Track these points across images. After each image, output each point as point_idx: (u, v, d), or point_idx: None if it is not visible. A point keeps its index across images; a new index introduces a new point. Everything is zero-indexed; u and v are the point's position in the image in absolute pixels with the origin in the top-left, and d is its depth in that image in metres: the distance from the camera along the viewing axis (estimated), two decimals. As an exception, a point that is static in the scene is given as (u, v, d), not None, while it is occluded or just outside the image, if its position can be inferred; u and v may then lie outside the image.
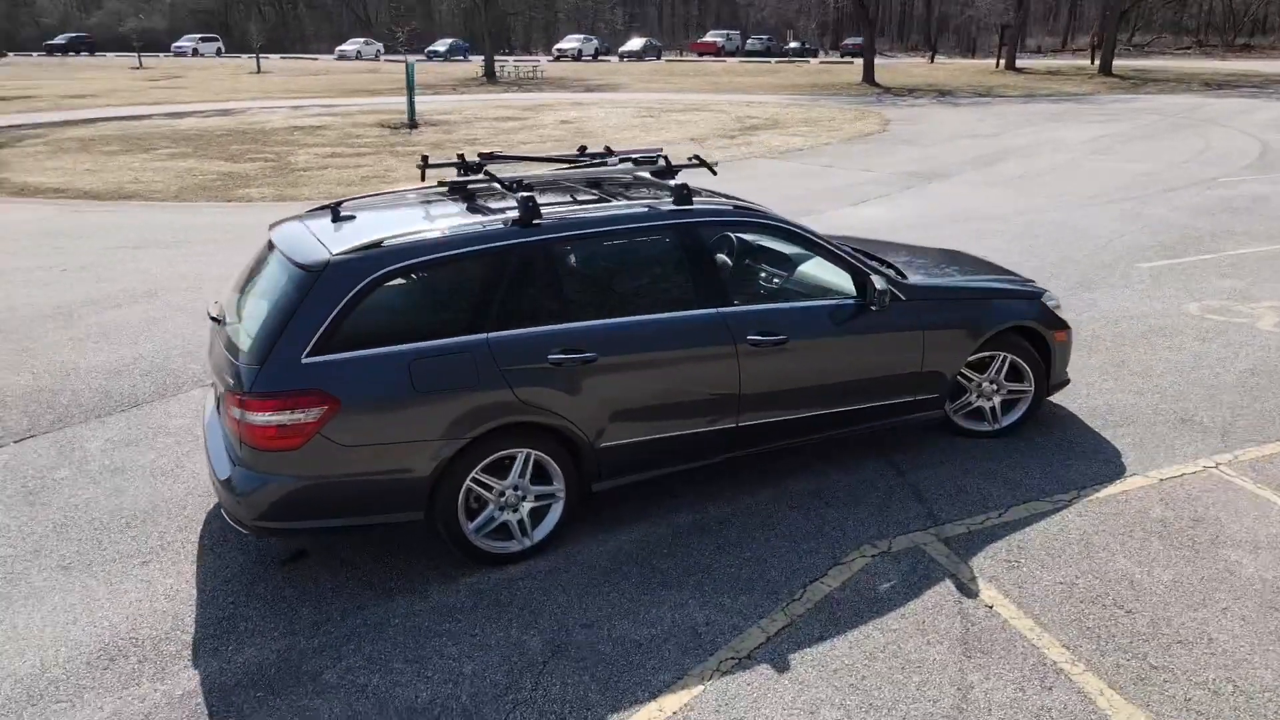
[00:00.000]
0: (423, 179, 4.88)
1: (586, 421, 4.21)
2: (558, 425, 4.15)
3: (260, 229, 4.95)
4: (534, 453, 4.17)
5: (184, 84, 39.77)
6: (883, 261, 5.40)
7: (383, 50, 60.11)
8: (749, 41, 62.52)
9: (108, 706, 3.40)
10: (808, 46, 62.03)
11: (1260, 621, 3.82)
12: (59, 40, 66.05)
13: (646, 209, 4.48)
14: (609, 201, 4.56)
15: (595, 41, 59.12)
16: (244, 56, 58.73)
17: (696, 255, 4.49)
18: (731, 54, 61.29)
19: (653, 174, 4.95)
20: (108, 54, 64.07)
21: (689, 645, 3.72)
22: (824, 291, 4.88)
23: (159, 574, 4.21)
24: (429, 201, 4.62)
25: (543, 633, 3.80)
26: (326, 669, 3.60)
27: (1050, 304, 5.45)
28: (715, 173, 5.31)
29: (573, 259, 4.37)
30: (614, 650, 3.70)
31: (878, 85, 35.67)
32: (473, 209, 4.44)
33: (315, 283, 3.85)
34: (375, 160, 16.87)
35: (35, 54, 64.63)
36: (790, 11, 65.85)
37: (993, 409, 5.41)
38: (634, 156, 5.11)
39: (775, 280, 5.03)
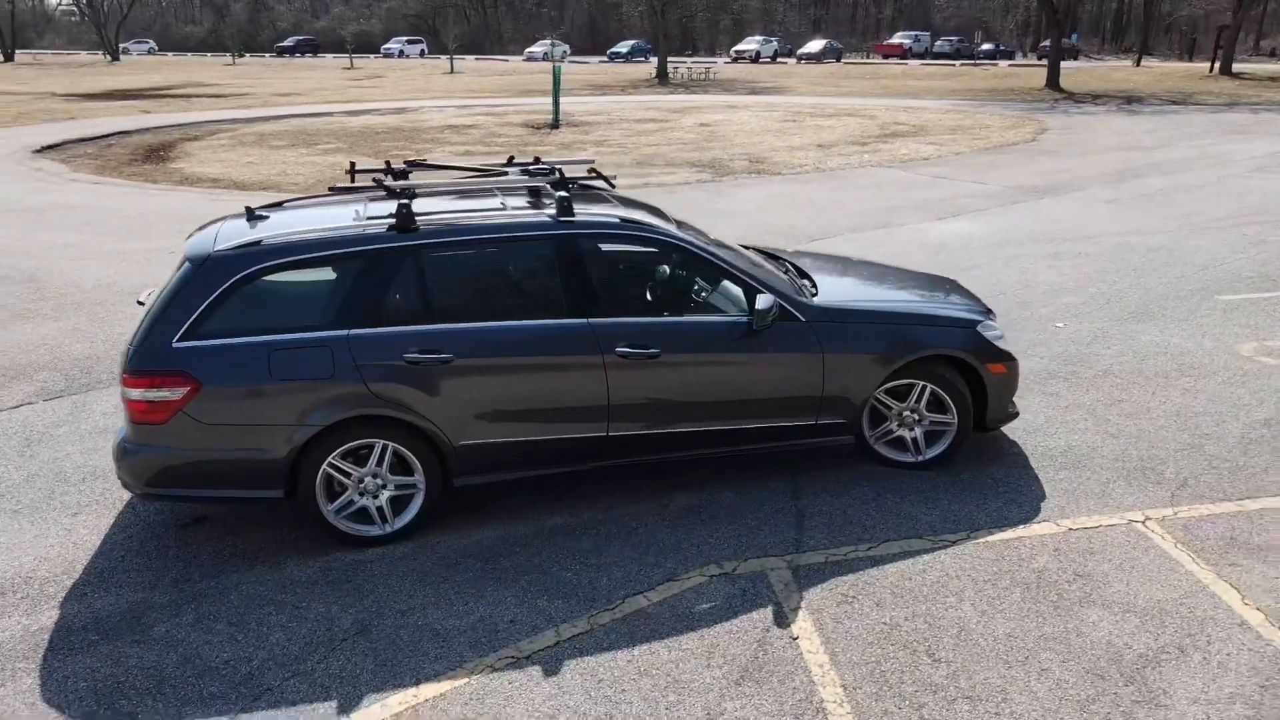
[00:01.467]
0: (352, 181, 5.23)
1: (444, 419, 4.44)
2: (413, 421, 4.40)
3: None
4: (391, 444, 4.45)
5: (381, 84, 42.77)
6: (811, 281, 5.30)
7: (569, 51, 62.24)
8: (938, 43, 60.15)
9: (-24, 631, 3.97)
10: (1002, 48, 58.98)
11: (1075, 687, 3.54)
12: (287, 43, 72.82)
13: (527, 219, 4.64)
14: (506, 210, 4.75)
15: (775, 43, 58.71)
16: (443, 57, 62.44)
17: (571, 265, 4.61)
18: (919, 56, 59.21)
19: (550, 184, 5.04)
20: (327, 55, 69.89)
21: (481, 640, 3.89)
22: (718, 307, 4.86)
23: (80, 524, 4.80)
24: (354, 203, 4.95)
25: (359, 613, 4.07)
26: (160, 623, 4.02)
27: (990, 334, 5.15)
28: (613, 185, 5.37)
29: (446, 264, 4.60)
30: (411, 636, 3.92)
31: (1061, 90, 33.54)
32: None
33: (194, 275, 4.29)
34: (496, 161, 17.66)
35: (267, 55, 71.47)
36: (988, 12, 62.74)
37: (914, 440, 5.18)
38: (530, 168, 5.26)
39: (665, 294, 5.04)
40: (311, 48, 72.30)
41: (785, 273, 5.48)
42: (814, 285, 5.24)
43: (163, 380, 4.17)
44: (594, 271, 4.71)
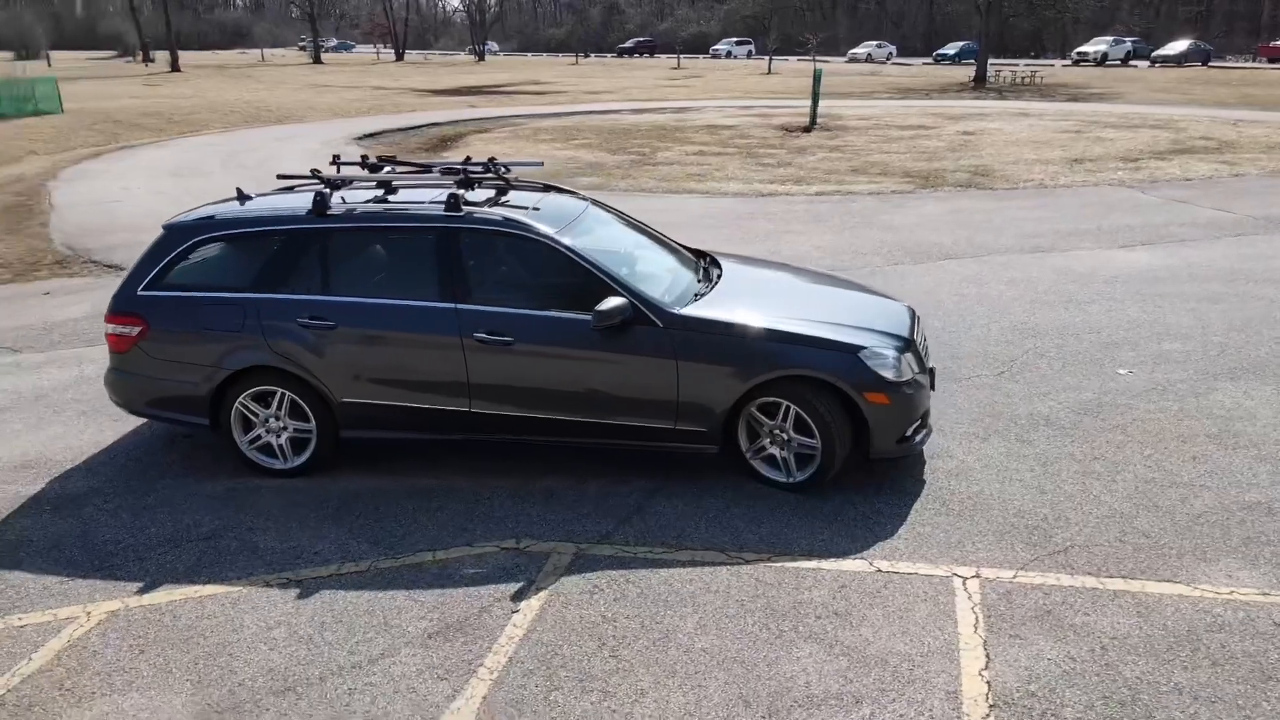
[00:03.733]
0: (338, 171, 6.05)
1: (328, 377, 5.20)
2: (304, 376, 5.20)
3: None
4: (289, 394, 5.28)
5: (692, 84, 44.54)
6: (700, 283, 5.40)
7: (895, 53, 60.51)
8: (1345, 45, 50.83)
9: (-15, 488, 5.38)
10: None
11: (710, 708, 3.53)
12: (627, 44, 77.83)
13: (419, 211, 5.24)
14: (420, 203, 5.38)
15: (1127, 44, 52.88)
16: (765, 58, 63.51)
17: (448, 254, 5.14)
18: (1319, 60, 50.49)
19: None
20: (662, 56, 73.72)
21: (277, 561, 4.60)
22: (583, 305, 5.11)
23: (110, 428, 6.17)
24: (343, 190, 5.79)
25: (218, 524, 4.96)
26: (90, 506, 5.18)
27: (875, 363, 4.90)
28: (509, 184, 5.70)
29: (348, 244, 5.33)
30: (235, 548, 4.73)
31: None
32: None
33: (161, 239, 5.41)
34: (721, 162, 18.12)
35: (608, 56, 76.91)
36: None
37: (785, 460, 5.09)
38: (468, 167, 5.72)
39: (535, 289, 5.31)
40: (649, 49, 76.66)
41: (700, 280, 5.60)
42: (700, 291, 5.33)
43: (124, 319, 5.33)
44: (471, 261, 5.19)
